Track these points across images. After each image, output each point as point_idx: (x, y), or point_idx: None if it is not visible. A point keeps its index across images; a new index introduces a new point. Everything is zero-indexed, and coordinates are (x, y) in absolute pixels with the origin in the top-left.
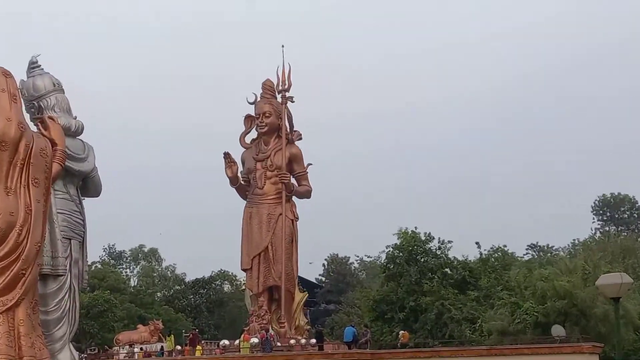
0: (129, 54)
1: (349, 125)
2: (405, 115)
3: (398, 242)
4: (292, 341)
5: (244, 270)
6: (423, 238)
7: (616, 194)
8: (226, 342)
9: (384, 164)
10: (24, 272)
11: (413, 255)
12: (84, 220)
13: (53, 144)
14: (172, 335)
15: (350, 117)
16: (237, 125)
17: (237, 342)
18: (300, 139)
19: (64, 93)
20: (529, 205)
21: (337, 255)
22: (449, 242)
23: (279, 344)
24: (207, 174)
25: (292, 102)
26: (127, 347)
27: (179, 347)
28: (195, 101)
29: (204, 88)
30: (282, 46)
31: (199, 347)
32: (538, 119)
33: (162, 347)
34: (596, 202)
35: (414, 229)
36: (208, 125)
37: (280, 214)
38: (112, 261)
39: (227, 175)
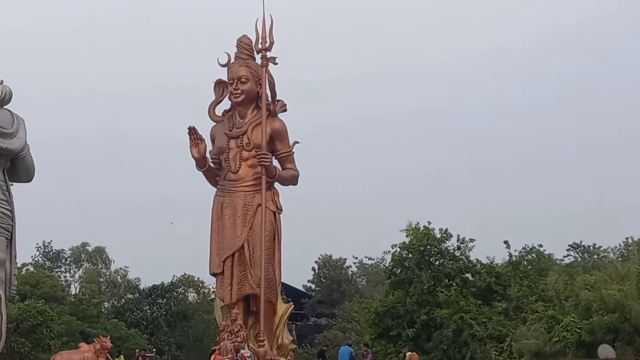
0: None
1: (347, 90)
2: (424, 76)
3: (407, 240)
4: None
5: (214, 275)
6: (438, 236)
7: None
8: None
9: (390, 141)
10: None
11: (426, 256)
12: (12, 212)
13: None
14: (122, 356)
15: (349, 79)
16: (204, 94)
17: None
18: (285, 110)
19: None
20: (571, 195)
21: (330, 256)
22: (471, 240)
23: None
24: (167, 152)
25: (275, 64)
26: None
27: None
28: (150, 57)
29: (158, 42)
30: None
31: None
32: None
33: None
34: None
35: (427, 224)
36: (166, 88)
37: (259, 205)
38: (48, 263)
39: (193, 156)
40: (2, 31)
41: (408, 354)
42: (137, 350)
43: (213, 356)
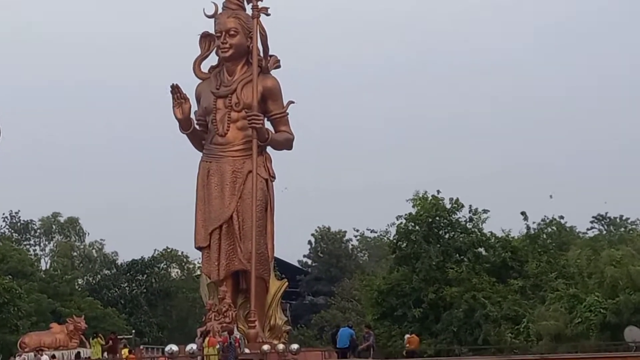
0: None
1: (349, 38)
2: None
3: (413, 211)
4: (266, 347)
5: (199, 248)
6: (448, 206)
7: None
8: (174, 347)
9: (394, 97)
10: None
11: (434, 229)
12: None
13: None
14: (99, 338)
15: (348, 21)
16: (189, 45)
17: (190, 347)
18: (279, 66)
19: None
20: (596, 161)
21: (328, 229)
22: (484, 211)
23: (247, 350)
24: (146, 109)
25: (267, 15)
26: (35, 354)
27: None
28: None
29: None
30: None
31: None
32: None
33: (79, 352)
34: None
35: (436, 194)
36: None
37: (250, 172)
38: (16, 235)
39: (176, 117)
40: None
41: (407, 336)
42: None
43: (208, 338)
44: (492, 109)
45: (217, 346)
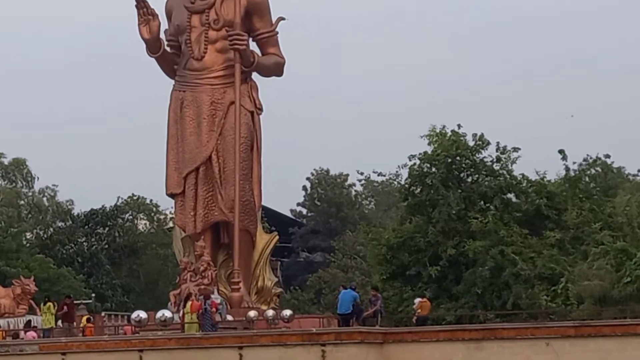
0: None
1: None
2: None
3: (429, 149)
4: (252, 313)
5: (171, 195)
6: (471, 143)
7: None
8: (142, 314)
9: (406, 17)
10: None
11: (454, 171)
12: None
13: None
14: (51, 304)
15: None
16: None
17: (162, 314)
18: None
19: None
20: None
21: (327, 171)
22: (515, 149)
23: (229, 317)
24: (102, 28)
25: None
26: None
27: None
28: None
29: None
30: None
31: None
32: None
33: (29, 321)
34: None
35: (456, 128)
36: None
37: (232, 103)
38: None
39: (142, 37)
40: None
41: (418, 300)
42: (68, 296)
43: (190, 302)
44: None
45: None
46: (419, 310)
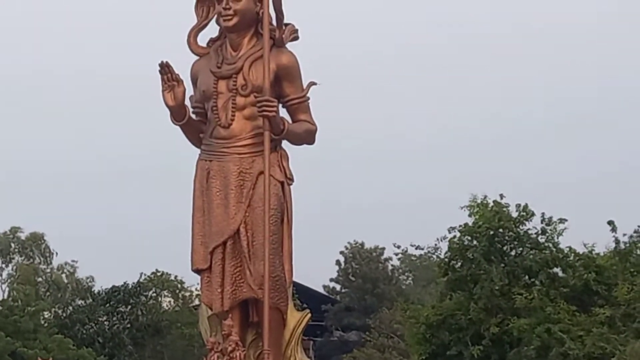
0: None
1: (383, 12)
2: None
3: (470, 221)
4: None
5: (197, 271)
6: (515, 214)
7: None
8: None
9: (442, 81)
10: None
11: (497, 244)
12: None
13: None
14: None
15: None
16: (183, 15)
17: None
18: (297, 38)
19: None
20: None
21: (362, 245)
22: (561, 221)
23: None
24: (129, 97)
25: None
26: None
27: None
28: None
29: None
30: None
31: None
32: None
33: None
34: None
35: (498, 198)
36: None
37: (261, 172)
38: None
39: (167, 104)
40: None
41: None
42: None
43: None
44: None
45: None
46: None
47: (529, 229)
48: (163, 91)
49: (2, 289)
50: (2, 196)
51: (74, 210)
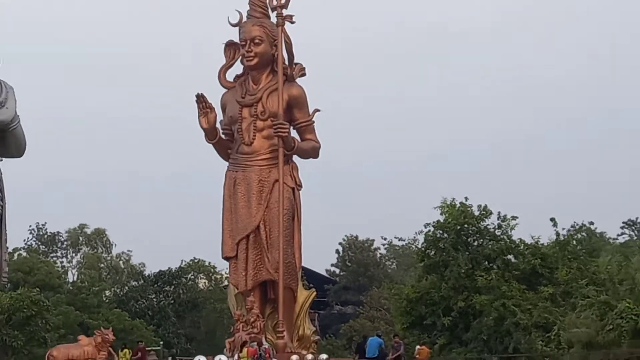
0: None
1: (373, 58)
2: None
3: (442, 218)
4: (295, 357)
5: (226, 259)
6: (477, 213)
7: None
8: (202, 358)
9: (423, 113)
10: None
11: (463, 236)
12: (1, 190)
13: None
14: (127, 350)
15: (375, 44)
16: (214, 56)
17: (219, 358)
18: (304, 74)
19: None
20: (625, 166)
21: (356, 237)
22: (513, 218)
23: None
24: (172, 124)
25: (292, 22)
26: None
27: None
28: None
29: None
30: None
31: None
32: None
33: None
34: None
35: (464, 201)
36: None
37: (277, 181)
38: (43, 247)
39: (202, 127)
40: None
41: (417, 348)
42: (137, 343)
43: (246, 348)
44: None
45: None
46: (418, 356)
47: (487, 224)
48: (199, 116)
49: (72, 273)
50: (71, 199)
51: (131, 210)
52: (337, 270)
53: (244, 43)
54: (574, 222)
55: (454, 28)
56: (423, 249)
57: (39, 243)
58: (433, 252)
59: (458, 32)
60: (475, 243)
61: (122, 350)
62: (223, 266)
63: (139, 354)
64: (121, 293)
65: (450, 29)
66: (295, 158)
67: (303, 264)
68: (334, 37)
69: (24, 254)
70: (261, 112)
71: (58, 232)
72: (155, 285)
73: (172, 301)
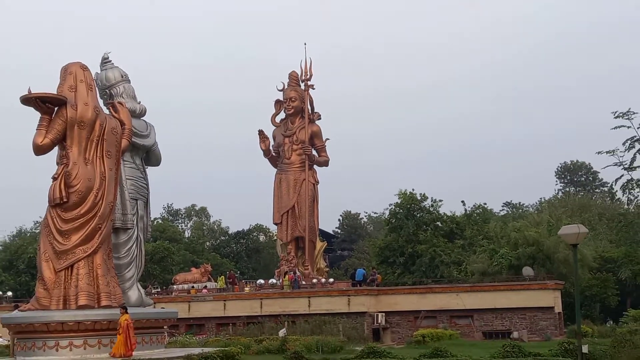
0: (176, 49)
1: (363, 105)
2: (410, 96)
3: (399, 201)
4: (315, 280)
5: (276, 224)
6: (419, 197)
7: (575, 161)
8: (261, 281)
9: (388, 138)
10: (100, 226)
11: (411, 211)
12: (147, 185)
13: (122, 123)
14: (223, 276)
15: (364, 97)
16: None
17: (272, 280)
18: (320, 118)
19: (129, 83)
20: (505, 170)
21: (350, 212)
22: (440, 200)
23: (304, 282)
24: (242, 146)
25: (313, 89)
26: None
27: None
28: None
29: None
30: (305, 44)
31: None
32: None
33: (206, 285)
34: (559, 167)
35: (412, 191)
36: (246, 103)
37: (304, 179)
38: (170, 217)
39: (261, 149)
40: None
41: (377, 275)
42: (228, 272)
43: (287, 275)
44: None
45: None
46: (378, 279)
47: (425, 204)
48: (260, 143)
49: (187, 232)
50: (187, 187)
51: (222, 188)
52: (339, 231)
53: (285, 100)
54: (475, 202)
55: None
56: (388, 218)
57: (168, 215)
58: (394, 220)
59: None
60: (418, 215)
61: (220, 277)
62: (274, 228)
63: (231, 279)
64: (215, 244)
65: None
66: (315, 166)
67: (320, 227)
68: (345, 94)
69: (160, 221)
70: (295, 140)
71: (179, 209)
72: (235, 239)
73: (244, 248)
